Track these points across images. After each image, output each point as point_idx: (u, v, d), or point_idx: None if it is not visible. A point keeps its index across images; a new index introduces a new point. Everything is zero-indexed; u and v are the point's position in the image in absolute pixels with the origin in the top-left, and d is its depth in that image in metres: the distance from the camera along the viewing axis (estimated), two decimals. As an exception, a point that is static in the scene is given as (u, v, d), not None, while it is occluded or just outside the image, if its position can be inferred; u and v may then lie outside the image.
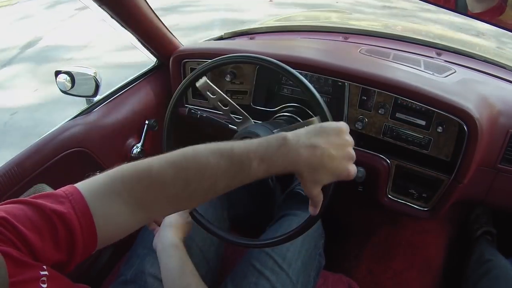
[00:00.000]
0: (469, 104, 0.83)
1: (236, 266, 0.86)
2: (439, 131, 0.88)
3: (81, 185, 0.46)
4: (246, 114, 0.80)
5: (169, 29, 1.13)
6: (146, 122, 1.12)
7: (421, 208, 0.98)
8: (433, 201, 0.96)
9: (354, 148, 0.55)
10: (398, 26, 1.63)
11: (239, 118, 0.82)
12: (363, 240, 1.40)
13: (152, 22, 1.05)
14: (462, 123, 0.83)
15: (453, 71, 1.08)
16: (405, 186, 0.98)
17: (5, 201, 0.43)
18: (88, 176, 0.48)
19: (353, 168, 0.53)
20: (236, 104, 0.80)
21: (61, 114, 2.68)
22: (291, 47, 1.15)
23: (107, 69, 3.52)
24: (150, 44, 1.11)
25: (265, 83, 1.06)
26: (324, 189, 0.55)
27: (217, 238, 0.81)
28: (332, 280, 0.95)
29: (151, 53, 1.15)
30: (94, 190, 0.46)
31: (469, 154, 0.84)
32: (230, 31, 1.45)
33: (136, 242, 0.89)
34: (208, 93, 0.77)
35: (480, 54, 1.25)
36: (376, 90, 0.92)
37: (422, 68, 1.06)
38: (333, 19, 1.89)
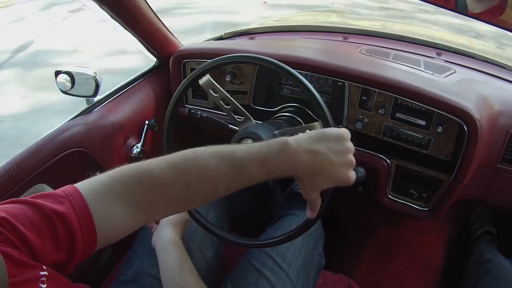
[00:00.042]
0: (469, 104, 0.83)
1: (236, 266, 0.86)
2: (439, 131, 0.88)
3: (81, 185, 0.46)
4: (248, 114, 0.80)
5: (169, 29, 1.13)
6: (146, 122, 1.12)
7: (421, 208, 0.98)
8: (433, 201, 0.96)
9: (354, 147, 0.55)
10: (397, 26, 1.63)
11: (240, 118, 0.82)
12: (363, 240, 1.40)
13: (152, 22, 1.05)
14: (462, 123, 0.83)
15: (453, 71, 1.08)
16: (405, 186, 0.98)
17: (4, 201, 0.43)
18: (88, 176, 0.48)
19: (352, 175, 0.54)
20: None
21: (47, 123, 2.64)
22: (291, 47, 1.15)
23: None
24: (150, 44, 1.11)
25: (265, 83, 1.06)
26: (323, 194, 0.56)
27: (217, 238, 0.81)
28: (332, 280, 0.95)
29: (151, 53, 1.15)
30: (94, 191, 0.46)
31: (469, 154, 0.84)
32: (230, 31, 1.45)
33: (136, 242, 0.89)
34: (210, 91, 0.77)
35: (480, 54, 1.25)
36: (376, 90, 0.92)
37: (422, 68, 1.06)
38: (333, 19, 1.89)
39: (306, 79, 0.72)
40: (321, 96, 0.71)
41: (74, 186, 0.46)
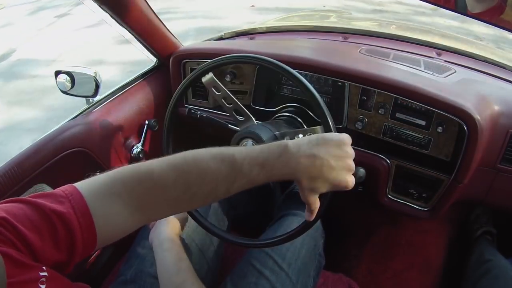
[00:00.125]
0: (469, 104, 0.83)
1: (236, 266, 0.86)
2: (439, 131, 0.88)
3: (80, 185, 0.46)
4: (249, 114, 0.80)
5: (169, 29, 1.13)
6: (146, 122, 1.12)
7: (421, 208, 0.98)
8: (433, 201, 0.96)
9: (354, 148, 0.56)
10: (393, 26, 1.62)
11: (241, 117, 0.82)
12: (363, 240, 1.40)
13: (152, 22, 1.05)
14: (462, 123, 0.83)
15: (453, 71, 1.08)
16: (405, 186, 0.98)
17: (4, 200, 0.43)
18: (88, 176, 0.48)
19: (351, 180, 0.54)
20: None
21: (13, 146, 2.46)
22: (291, 47, 1.15)
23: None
24: (150, 44, 1.11)
25: (265, 83, 1.06)
26: (321, 197, 0.56)
27: (217, 238, 0.81)
28: (332, 280, 0.95)
29: (151, 53, 1.15)
30: (94, 191, 0.46)
31: (469, 154, 0.84)
32: (230, 31, 1.45)
33: (135, 243, 0.89)
34: (213, 89, 0.77)
35: (480, 54, 1.25)
36: (376, 90, 0.92)
37: (422, 68, 1.06)
38: (333, 19, 1.89)
39: (306, 79, 0.72)
40: (321, 96, 0.71)
41: (74, 186, 0.46)
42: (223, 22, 4.55)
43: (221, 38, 1.42)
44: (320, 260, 0.91)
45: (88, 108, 1.05)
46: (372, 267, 1.32)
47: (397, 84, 0.88)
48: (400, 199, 1.00)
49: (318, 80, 1.00)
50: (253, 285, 0.78)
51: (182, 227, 0.81)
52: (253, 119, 0.81)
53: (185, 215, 0.81)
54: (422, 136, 0.93)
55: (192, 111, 0.95)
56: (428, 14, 4.68)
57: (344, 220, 1.42)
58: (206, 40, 1.39)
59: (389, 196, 1.01)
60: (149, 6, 1.02)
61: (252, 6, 5.25)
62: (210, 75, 0.76)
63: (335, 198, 0.68)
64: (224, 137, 0.81)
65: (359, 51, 1.16)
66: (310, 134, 0.67)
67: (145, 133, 1.12)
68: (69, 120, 1.00)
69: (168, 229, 0.75)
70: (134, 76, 1.17)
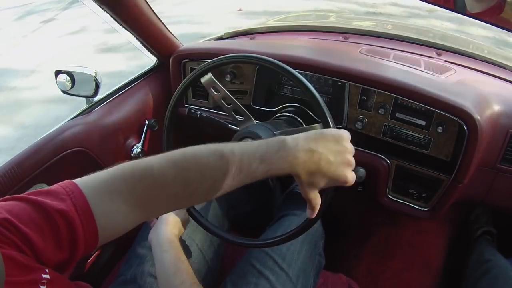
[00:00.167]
0: (469, 104, 0.83)
1: (236, 266, 0.86)
2: (439, 131, 0.88)
3: (80, 182, 0.46)
4: (248, 114, 0.80)
5: (169, 29, 1.13)
6: (146, 122, 1.12)
7: (421, 208, 0.98)
8: (433, 201, 0.96)
9: (354, 148, 0.55)
10: (389, 26, 1.62)
11: (241, 117, 0.82)
12: (363, 240, 1.40)
13: (152, 22, 1.05)
14: (462, 123, 0.83)
15: (453, 71, 1.08)
16: (405, 186, 0.98)
17: (4, 198, 0.43)
18: (88, 176, 0.48)
19: (351, 175, 0.54)
20: None
21: None
22: (291, 47, 1.15)
23: (43, 104, 3.18)
24: (150, 44, 1.11)
25: (265, 83, 1.06)
26: (322, 193, 0.56)
27: (217, 237, 0.81)
28: (332, 280, 0.95)
29: (151, 53, 1.15)
30: (95, 188, 0.46)
31: (469, 154, 0.84)
32: (230, 31, 1.45)
33: (135, 243, 0.89)
34: (212, 89, 0.77)
35: (480, 54, 1.25)
36: (376, 90, 0.92)
37: (422, 68, 1.06)
38: (332, 19, 1.89)
39: (306, 79, 0.72)
40: (321, 96, 0.71)
41: (74, 183, 0.46)
42: (207, 27, 4.30)
43: (221, 38, 1.42)
44: (320, 260, 0.91)
45: (88, 108, 1.05)
46: (372, 267, 1.32)
47: (397, 84, 0.88)
48: (400, 199, 1.00)
49: (318, 80, 1.00)
50: (253, 285, 0.78)
51: (183, 228, 0.80)
52: (253, 119, 0.81)
53: (186, 216, 0.81)
54: (422, 136, 0.93)
55: (192, 111, 0.95)
56: (424, 16, 4.57)
57: (344, 220, 1.42)
58: (206, 40, 1.39)
59: (389, 196, 1.01)
60: (149, 6, 1.02)
61: (240, 10, 5.06)
62: (209, 75, 0.76)
63: (335, 198, 0.67)
64: (224, 137, 0.81)
65: (359, 51, 1.16)
66: None
67: (145, 133, 1.12)
68: (69, 120, 1.00)
69: (168, 230, 0.75)
70: (134, 76, 1.17)
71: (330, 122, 0.67)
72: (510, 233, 1.24)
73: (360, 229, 1.43)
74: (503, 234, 1.24)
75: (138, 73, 1.19)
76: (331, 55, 1.05)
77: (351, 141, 0.56)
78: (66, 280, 0.45)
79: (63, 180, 0.46)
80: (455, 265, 1.25)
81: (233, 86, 1.08)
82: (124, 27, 1.01)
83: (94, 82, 1.01)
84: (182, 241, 0.79)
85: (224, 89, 0.77)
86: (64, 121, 1.00)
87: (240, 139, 0.77)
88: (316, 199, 0.56)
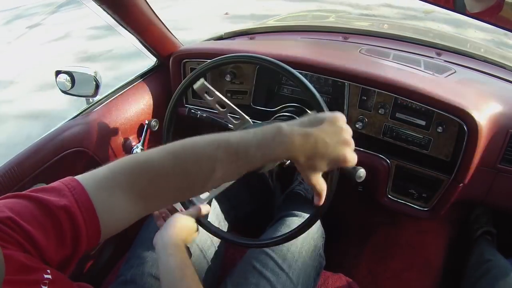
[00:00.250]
0: (469, 104, 0.83)
1: (236, 266, 0.86)
2: (439, 131, 0.88)
3: (82, 178, 0.46)
4: (244, 115, 0.80)
5: (169, 29, 1.13)
6: (146, 122, 1.12)
7: (421, 208, 0.98)
8: (433, 201, 0.96)
9: (354, 149, 0.55)
10: (385, 25, 1.62)
11: (237, 119, 0.81)
12: (363, 240, 1.40)
13: (152, 21, 1.05)
14: (462, 123, 0.83)
15: (453, 71, 1.08)
16: (405, 186, 0.98)
17: (6, 195, 0.43)
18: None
19: (350, 154, 0.52)
20: (236, 104, 0.79)
21: None
22: (291, 47, 1.15)
23: (17, 120, 3.04)
24: (150, 44, 1.11)
25: (265, 83, 1.06)
26: (326, 179, 0.55)
27: (217, 237, 0.81)
28: (332, 280, 0.95)
29: (151, 53, 1.15)
30: (96, 183, 0.46)
31: (469, 154, 0.84)
32: (230, 31, 1.45)
33: (135, 243, 0.89)
34: (205, 95, 0.75)
35: (480, 54, 1.25)
36: (376, 90, 0.92)
37: (422, 68, 1.06)
38: (332, 19, 1.89)
39: (306, 79, 0.72)
40: (321, 96, 0.71)
41: (76, 179, 0.46)
42: (190, 33, 3.94)
43: (221, 38, 1.42)
44: (321, 261, 0.91)
45: (88, 108, 1.05)
46: (372, 267, 1.32)
47: (397, 84, 0.88)
48: (400, 199, 1.00)
49: (318, 80, 1.00)
50: (254, 286, 0.78)
51: (189, 236, 0.77)
52: (249, 119, 0.80)
53: (194, 226, 0.78)
54: (422, 136, 0.93)
55: (192, 111, 0.95)
56: (420, 18, 4.43)
57: (344, 220, 1.42)
58: (206, 40, 1.39)
59: (389, 196, 1.01)
60: (149, 6, 1.02)
61: (226, 13, 4.87)
62: (201, 81, 0.74)
63: (335, 197, 0.67)
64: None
65: (359, 51, 1.16)
66: None
67: (145, 133, 1.12)
68: (69, 120, 1.00)
69: (174, 233, 0.73)
70: (134, 76, 1.17)
71: (324, 108, 0.67)
72: (510, 233, 1.24)
73: (360, 229, 1.43)
74: (503, 234, 1.24)
75: (138, 73, 1.19)
76: (331, 55, 1.05)
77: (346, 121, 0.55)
78: (68, 280, 0.46)
79: None
80: (455, 265, 1.25)
81: (233, 86, 1.08)
82: (124, 27, 1.01)
83: (94, 82, 1.01)
84: (186, 247, 0.77)
85: (217, 93, 0.75)
86: (64, 121, 1.00)
87: None
88: (321, 184, 0.54)
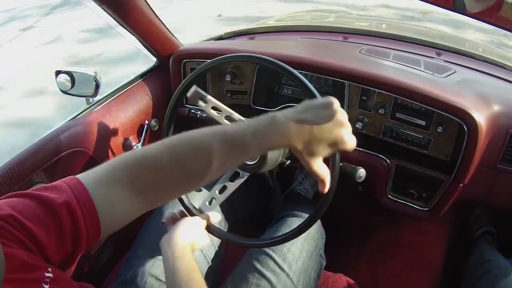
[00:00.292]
0: (469, 104, 0.83)
1: (237, 266, 0.86)
2: (439, 131, 0.88)
3: (82, 176, 0.47)
4: (241, 117, 0.79)
5: (169, 29, 1.13)
6: (146, 122, 1.12)
7: (421, 208, 0.98)
8: (433, 201, 0.96)
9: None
10: (383, 25, 1.62)
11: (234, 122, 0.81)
12: (363, 240, 1.40)
13: (152, 21, 1.05)
14: (462, 123, 0.83)
15: (453, 71, 1.08)
16: (405, 186, 0.98)
17: (7, 195, 0.43)
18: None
19: (348, 136, 0.51)
20: (236, 104, 0.79)
21: None
22: (291, 47, 1.15)
23: (3, 128, 2.98)
24: (150, 44, 1.11)
25: (265, 83, 1.06)
26: (328, 164, 0.55)
27: (217, 238, 0.81)
28: (332, 280, 0.95)
29: (151, 53, 1.15)
30: (96, 180, 0.47)
31: (469, 154, 0.84)
32: (230, 31, 1.45)
33: (135, 243, 0.89)
34: (200, 102, 0.73)
35: (480, 54, 1.25)
36: (376, 90, 0.92)
37: (422, 68, 1.06)
38: (332, 19, 1.89)
39: (306, 79, 0.72)
40: (321, 96, 0.71)
41: (76, 177, 0.46)
42: (183, 35, 3.71)
43: (221, 38, 1.42)
44: (321, 261, 0.91)
45: (88, 108, 1.05)
46: (372, 267, 1.32)
47: (397, 84, 0.88)
48: (400, 199, 1.00)
49: (318, 80, 1.00)
50: (254, 285, 0.78)
51: (197, 242, 0.74)
52: (244, 120, 0.79)
53: (204, 233, 0.76)
54: (422, 136, 0.93)
55: (192, 111, 0.95)
56: (417, 19, 4.36)
57: (344, 220, 1.42)
58: (206, 40, 1.39)
59: (389, 196, 1.01)
60: (149, 6, 1.02)
61: (219, 15, 4.80)
62: (193, 88, 0.72)
63: (336, 197, 0.67)
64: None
65: (359, 51, 1.16)
66: None
67: (145, 133, 1.12)
68: (69, 120, 1.00)
69: (182, 236, 0.71)
70: (134, 76, 1.17)
71: (317, 95, 0.66)
72: (510, 233, 1.24)
73: (360, 229, 1.43)
74: (503, 234, 1.24)
75: (138, 73, 1.19)
76: (331, 55, 1.05)
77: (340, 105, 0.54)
78: (69, 279, 0.46)
79: None
80: (455, 265, 1.25)
81: (233, 86, 1.08)
82: (124, 27, 1.01)
83: (94, 82, 1.01)
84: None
85: (212, 98, 0.73)
86: (64, 121, 1.00)
87: None
88: (322, 170, 0.54)
